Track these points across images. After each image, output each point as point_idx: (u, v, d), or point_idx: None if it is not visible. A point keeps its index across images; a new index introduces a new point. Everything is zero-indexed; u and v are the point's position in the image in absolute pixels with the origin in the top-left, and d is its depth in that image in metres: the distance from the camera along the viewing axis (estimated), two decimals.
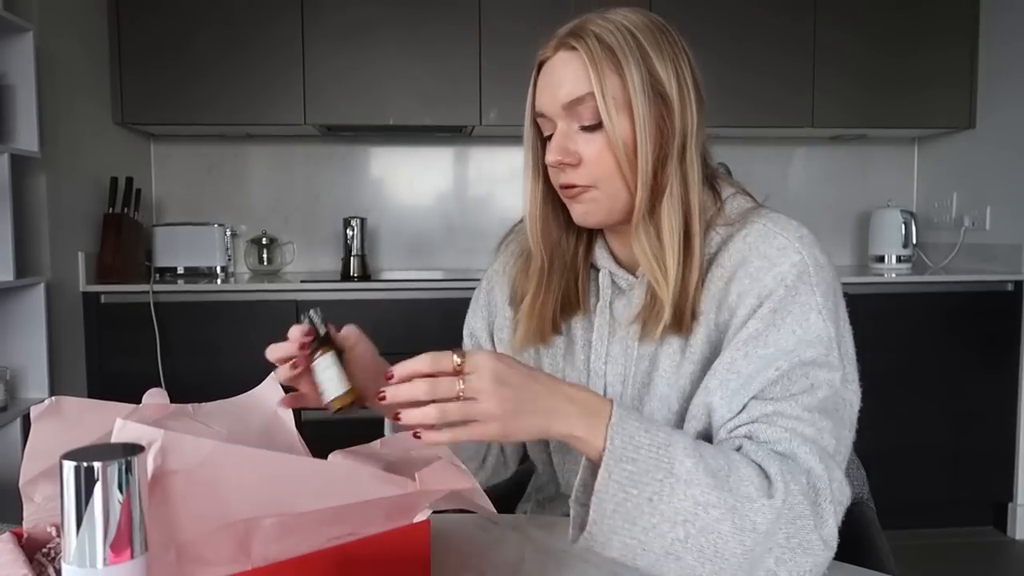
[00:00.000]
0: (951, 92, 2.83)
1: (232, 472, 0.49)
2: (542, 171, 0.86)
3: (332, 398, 0.72)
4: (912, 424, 2.55)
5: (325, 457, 0.59)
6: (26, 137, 2.02)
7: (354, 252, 2.80)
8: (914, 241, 2.96)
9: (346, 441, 0.70)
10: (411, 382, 0.60)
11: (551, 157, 0.80)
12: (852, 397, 0.76)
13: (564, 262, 0.90)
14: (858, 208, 3.16)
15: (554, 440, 0.65)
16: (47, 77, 2.14)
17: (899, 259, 2.95)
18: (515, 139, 3.33)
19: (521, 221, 0.94)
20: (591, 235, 0.91)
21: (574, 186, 0.80)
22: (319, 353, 0.73)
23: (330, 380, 0.73)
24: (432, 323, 2.49)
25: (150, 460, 0.48)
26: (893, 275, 2.65)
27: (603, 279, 0.90)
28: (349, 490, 0.54)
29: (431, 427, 0.60)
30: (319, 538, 0.55)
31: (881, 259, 2.96)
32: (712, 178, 0.86)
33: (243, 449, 0.50)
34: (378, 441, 0.67)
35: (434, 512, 0.63)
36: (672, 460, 0.62)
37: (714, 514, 0.61)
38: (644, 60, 0.77)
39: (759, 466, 0.66)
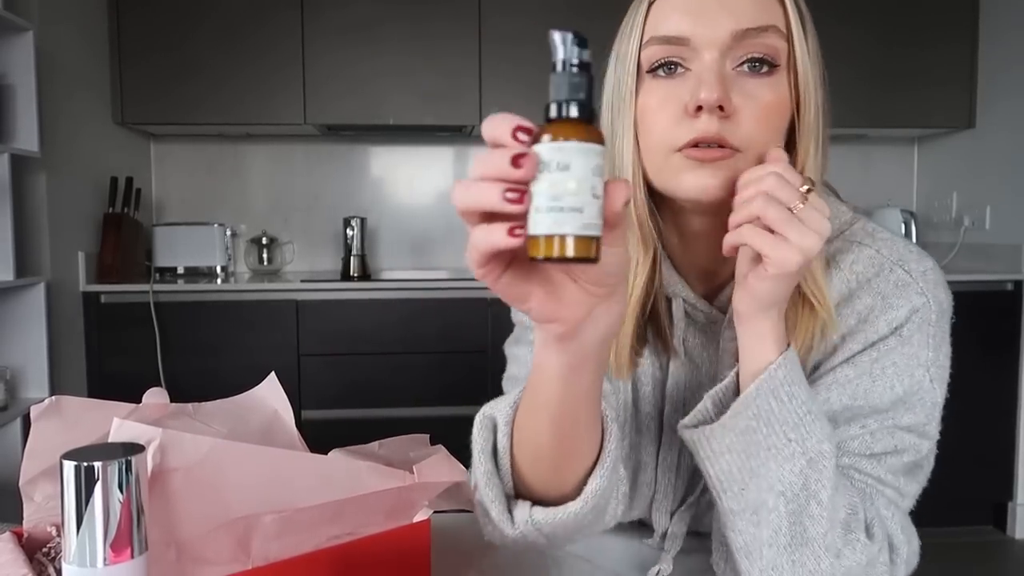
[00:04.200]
0: (951, 91, 2.83)
1: (231, 468, 0.49)
2: (637, 132, 0.63)
3: (581, 233, 0.38)
4: None
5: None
6: (26, 137, 2.02)
7: (354, 252, 2.80)
8: (914, 241, 2.96)
9: (346, 441, 0.70)
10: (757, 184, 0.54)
11: (710, 94, 0.57)
12: (932, 447, 0.67)
13: (655, 267, 0.67)
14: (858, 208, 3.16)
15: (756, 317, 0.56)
16: (47, 77, 2.14)
17: None
18: None
19: None
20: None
21: (721, 145, 0.59)
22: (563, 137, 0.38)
23: (579, 193, 0.37)
24: (432, 323, 2.49)
25: (149, 458, 0.48)
26: None
27: (676, 309, 0.70)
28: (348, 484, 0.54)
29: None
30: (319, 537, 0.55)
31: None
32: None
33: (241, 445, 0.50)
34: (376, 443, 0.67)
35: (434, 512, 0.63)
36: (810, 434, 0.56)
37: (814, 511, 0.56)
38: (806, 7, 0.63)
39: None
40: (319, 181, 3.05)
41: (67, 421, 0.60)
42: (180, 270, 2.75)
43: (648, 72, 0.62)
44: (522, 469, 0.59)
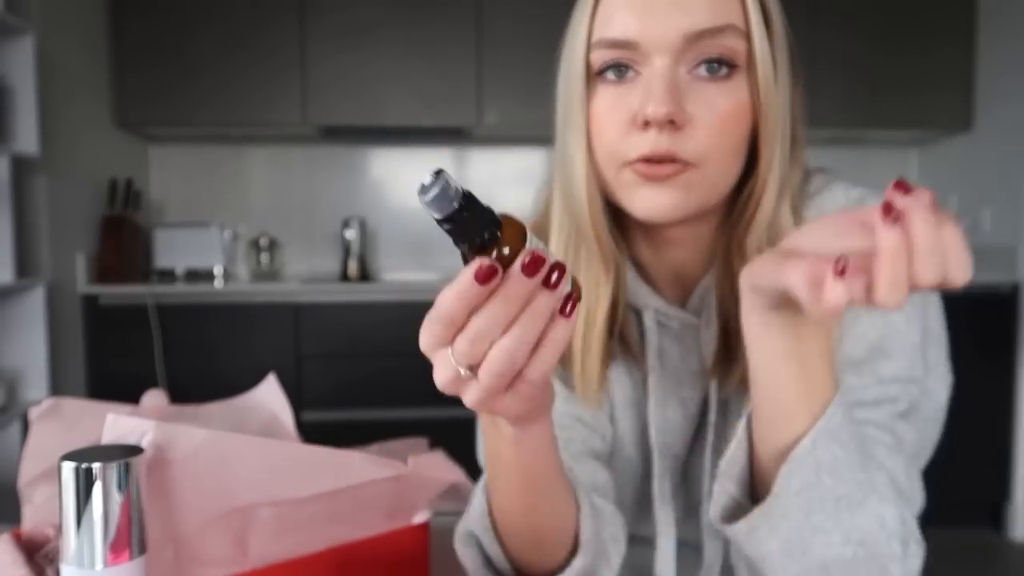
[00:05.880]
0: (949, 93, 2.84)
1: (224, 459, 0.49)
2: (591, 142, 0.58)
3: None
4: None
5: None
6: (26, 138, 2.02)
7: (353, 253, 2.80)
8: None
9: (346, 442, 0.70)
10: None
11: (658, 108, 0.52)
12: (936, 385, 0.62)
13: (619, 281, 0.63)
14: None
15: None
16: (47, 79, 2.14)
17: None
18: (514, 140, 3.32)
19: None
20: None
21: (672, 160, 0.54)
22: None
23: None
24: None
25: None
26: None
27: (648, 321, 0.65)
28: (342, 473, 0.53)
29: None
30: (318, 537, 0.55)
31: None
32: None
33: (234, 436, 0.50)
34: (375, 445, 0.68)
35: (434, 514, 0.63)
36: (873, 468, 0.51)
37: (892, 549, 0.50)
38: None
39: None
40: (318, 183, 3.05)
41: (66, 423, 0.61)
42: (179, 272, 2.74)
43: (597, 75, 0.57)
44: (515, 558, 0.57)
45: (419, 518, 0.60)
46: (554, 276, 0.35)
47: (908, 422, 0.58)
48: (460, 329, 0.36)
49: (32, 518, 0.58)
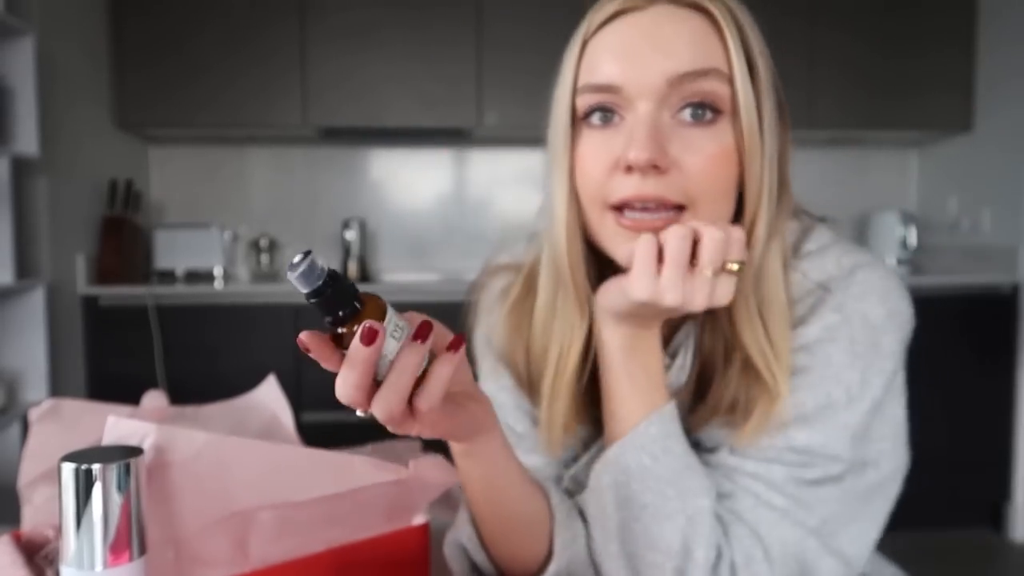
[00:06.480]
0: (949, 94, 2.84)
1: (225, 463, 0.49)
2: (575, 185, 0.59)
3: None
4: (909, 425, 2.54)
5: None
6: (26, 139, 2.03)
7: (353, 254, 2.80)
8: (913, 244, 2.96)
9: (346, 444, 0.70)
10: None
11: (639, 154, 0.52)
12: (881, 461, 0.59)
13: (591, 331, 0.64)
14: (856, 211, 3.16)
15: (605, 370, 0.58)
16: (47, 80, 2.14)
17: (898, 262, 2.95)
18: (514, 141, 3.32)
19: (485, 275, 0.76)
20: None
21: (660, 205, 0.54)
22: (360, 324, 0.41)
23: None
24: None
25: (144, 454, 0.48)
26: None
27: None
28: (342, 477, 0.54)
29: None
30: (318, 538, 0.55)
31: None
32: None
33: (235, 439, 0.50)
34: (368, 446, 0.68)
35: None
36: (690, 488, 0.55)
37: (688, 570, 0.54)
38: (760, 41, 0.58)
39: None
40: (318, 184, 3.05)
41: (66, 423, 0.61)
42: (179, 273, 2.74)
43: (582, 119, 0.58)
44: (499, 565, 0.62)
45: (419, 519, 0.60)
46: (418, 340, 0.42)
47: (820, 490, 0.57)
48: None
49: (32, 519, 0.58)
